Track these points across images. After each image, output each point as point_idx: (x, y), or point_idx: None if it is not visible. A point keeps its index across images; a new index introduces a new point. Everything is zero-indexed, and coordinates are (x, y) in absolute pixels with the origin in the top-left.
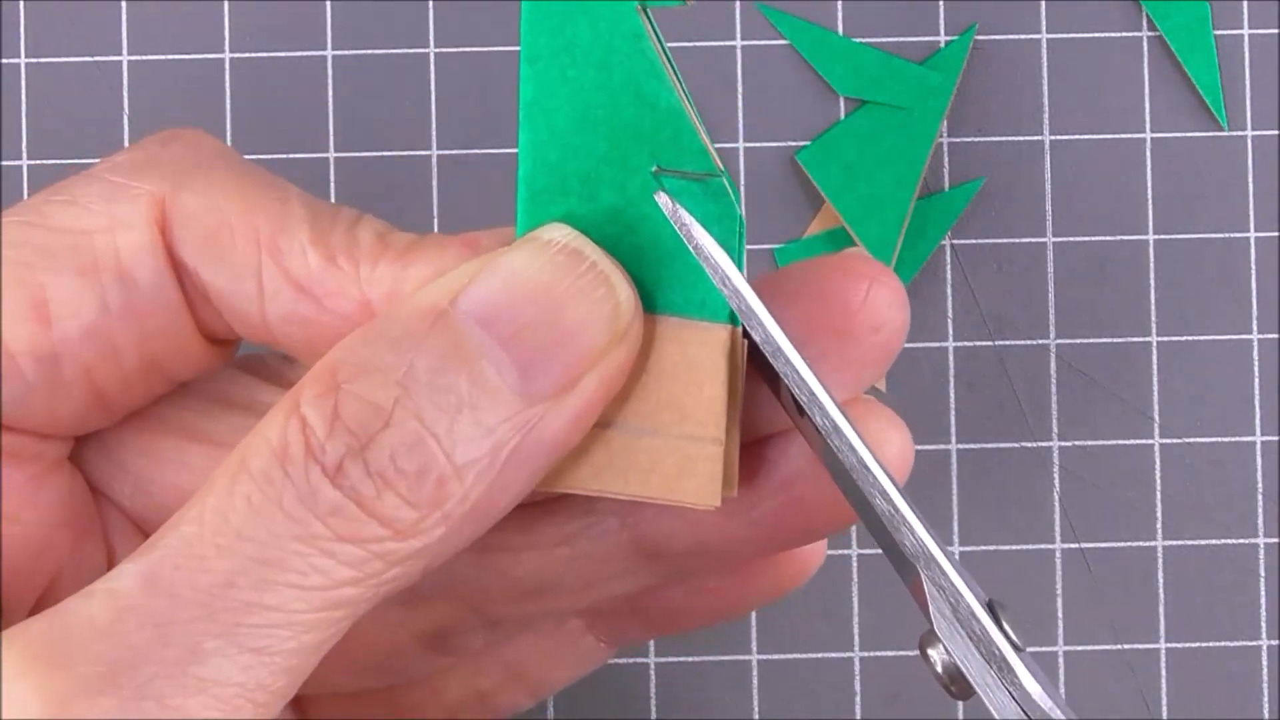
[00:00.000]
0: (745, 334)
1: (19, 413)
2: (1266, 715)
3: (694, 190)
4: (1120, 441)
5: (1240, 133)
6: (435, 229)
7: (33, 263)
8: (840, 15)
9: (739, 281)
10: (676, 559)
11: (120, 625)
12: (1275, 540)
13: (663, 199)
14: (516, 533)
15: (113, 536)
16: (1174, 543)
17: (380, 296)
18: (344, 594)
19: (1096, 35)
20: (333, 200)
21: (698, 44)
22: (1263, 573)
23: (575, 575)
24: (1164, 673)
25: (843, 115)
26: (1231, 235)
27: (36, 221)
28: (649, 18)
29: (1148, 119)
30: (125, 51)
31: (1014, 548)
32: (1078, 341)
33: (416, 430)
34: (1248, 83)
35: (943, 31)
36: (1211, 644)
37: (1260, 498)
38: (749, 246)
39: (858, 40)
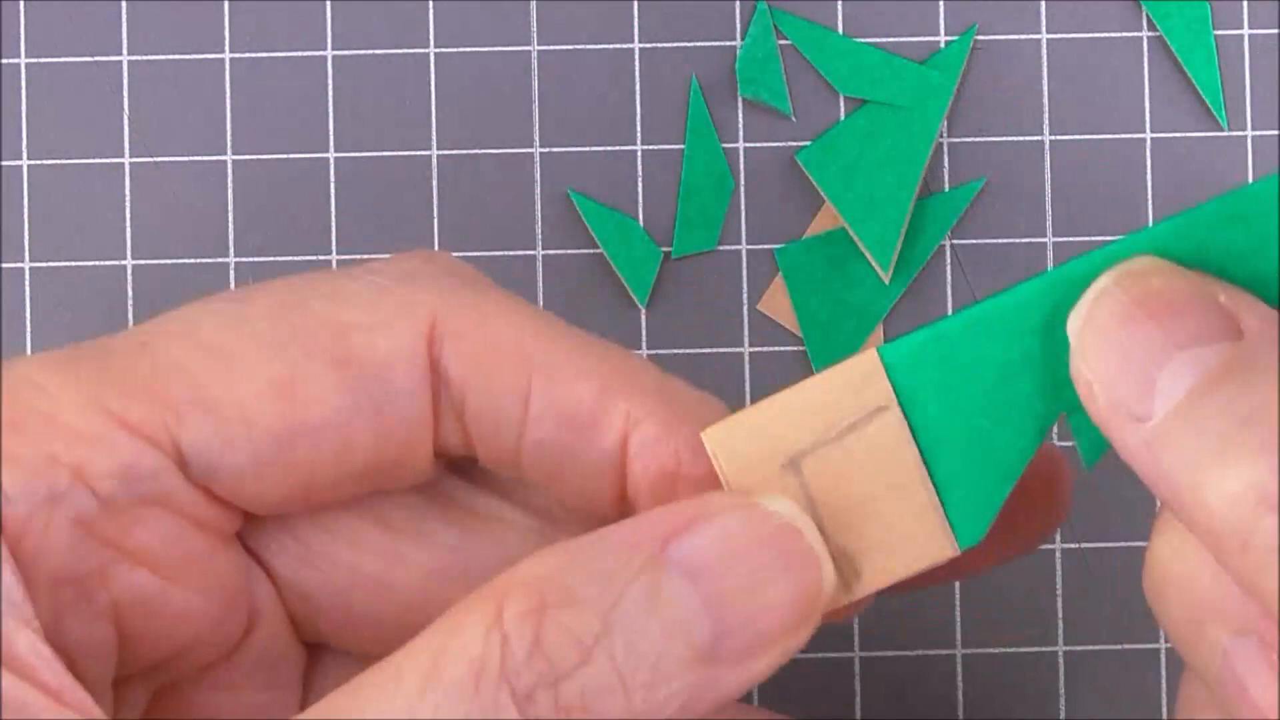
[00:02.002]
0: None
1: (237, 485)
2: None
3: None
4: None
5: (1240, 133)
6: (435, 229)
7: (288, 342)
8: (840, 15)
9: None
10: None
11: None
12: None
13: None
14: None
15: (257, 606)
16: None
17: (643, 445)
18: None
19: (1096, 35)
20: (333, 201)
21: (698, 44)
22: None
23: None
24: (1164, 673)
25: (843, 115)
26: None
27: (294, 304)
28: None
29: (1148, 119)
30: (125, 51)
31: None
32: None
33: (611, 674)
34: (1248, 83)
35: (943, 31)
36: None
37: None
38: (749, 246)
39: (858, 40)
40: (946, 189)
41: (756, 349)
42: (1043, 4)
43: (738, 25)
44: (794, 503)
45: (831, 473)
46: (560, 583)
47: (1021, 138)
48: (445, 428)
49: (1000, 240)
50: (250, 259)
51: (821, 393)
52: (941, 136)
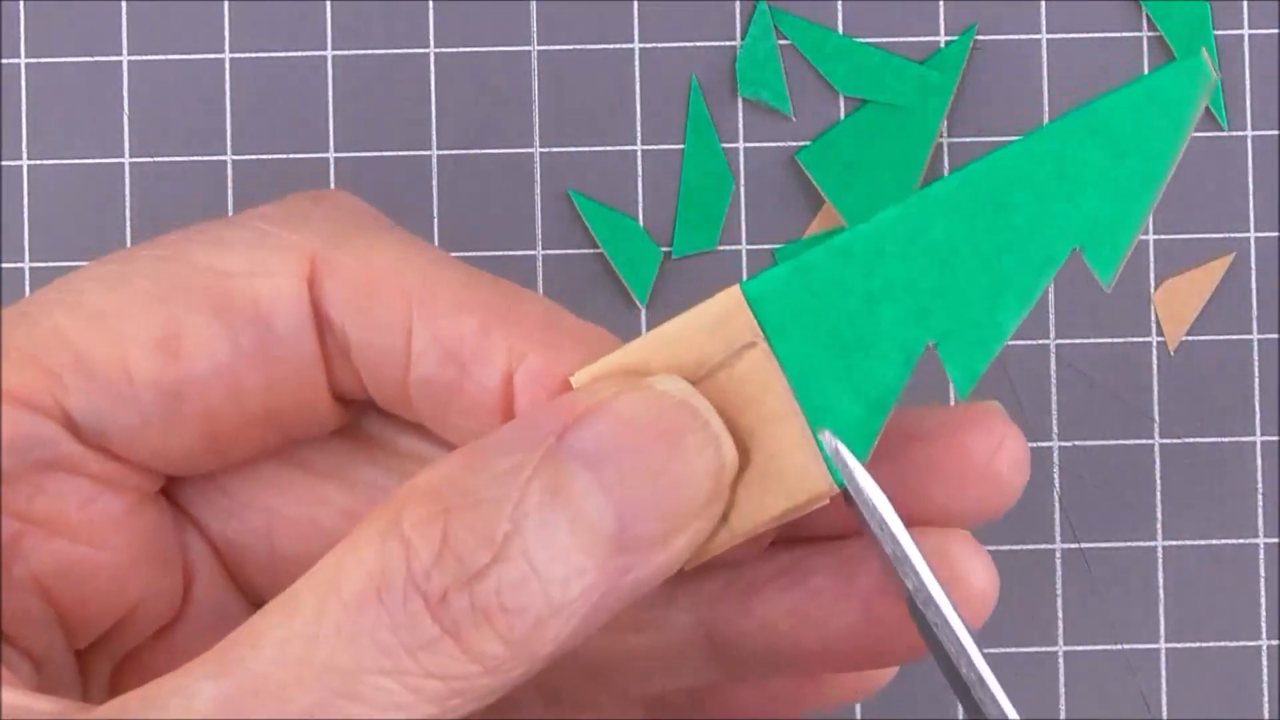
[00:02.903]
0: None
1: (132, 443)
2: (1266, 715)
3: None
4: (1120, 441)
5: (1240, 133)
6: (435, 229)
7: (168, 296)
8: (840, 15)
9: (900, 531)
10: (746, 660)
11: None
12: (1275, 540)
13: (826, 438)
14: None
15: (192, 562)
16: (1174, 543)
17: (527, 376)
18: None
19: (1096, 35)
20: None
21: (698, 44)
22: (1263, 573)
23: (643, 662)
24: (1164, 673)
25: (843, 115)
26: (1231, 235)
27: (175, 257)
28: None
29: None
30: (125, 51)
31: (1014, 548)
32: (1078, 341)
33: (525, 568)
34: (1248, 83)
35: (943, 31)
36: (1211, 644)
37: (1260, 498)
38: (749, 246)
39: (858, 40)
40: None
41: None
42: (1043, 4)
43: (738, 25)
44: (685, 381)
45: None
46: (460, 486)
47: None
48: (337, 368)
49: None
50: None
51: (690, 331)
52: (941, 136)
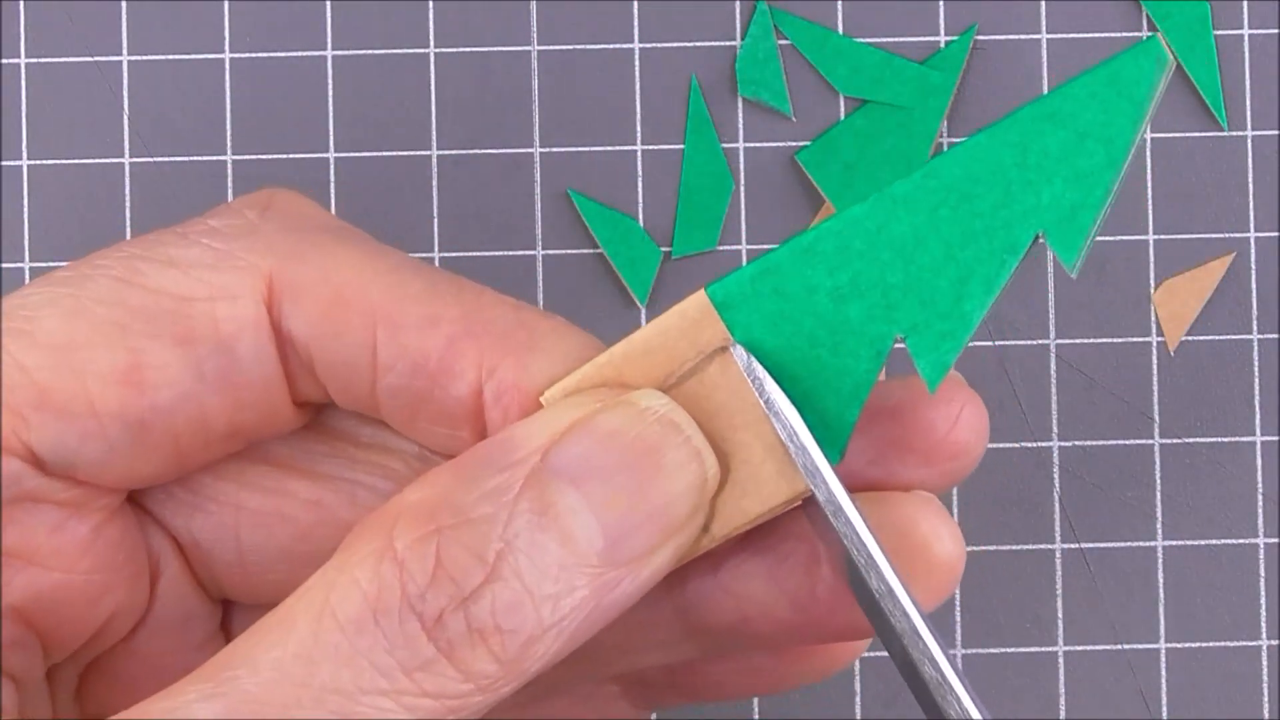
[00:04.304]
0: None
1: (98, 471)
2: (1266, 715)
3: None
4: (1120, 441)
5: (1240, 133)
6: (435, 229)
7: (128, 325)
8: (840, 15)
9: (808, 440)
10: (719, 635)
11: None
12: (1275, 540)
13: (739, 352)
14: None
15: (156, 562)
16: (1174, 543)
17: (498, 387)
18: None
19: (1096, 35)
20: (333, 201)
21: (698, 44)
22: (1263, 573)
23: (615, 640)
24: (1164, 673)
25: (843, 115)
26: (1231, 235)
27: (133, 280)
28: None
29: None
30: (125, 51)
31: (1014, 548)
32: (1078, 341)
33: (519, 589)
34: (1248, 83)
35: (943, 31)
36: (1211, 644)
37: (1260, 498)
38: (749, 246)
39: (858, 40)
40: None
41: None
42: (1043, 4)
43: (738, 25)
44: (667, 396)
45: None
46: (450, 504)
47: None
48: (300, 382)
49: None
50: None
51: (657, 340)
52: (941, 136)
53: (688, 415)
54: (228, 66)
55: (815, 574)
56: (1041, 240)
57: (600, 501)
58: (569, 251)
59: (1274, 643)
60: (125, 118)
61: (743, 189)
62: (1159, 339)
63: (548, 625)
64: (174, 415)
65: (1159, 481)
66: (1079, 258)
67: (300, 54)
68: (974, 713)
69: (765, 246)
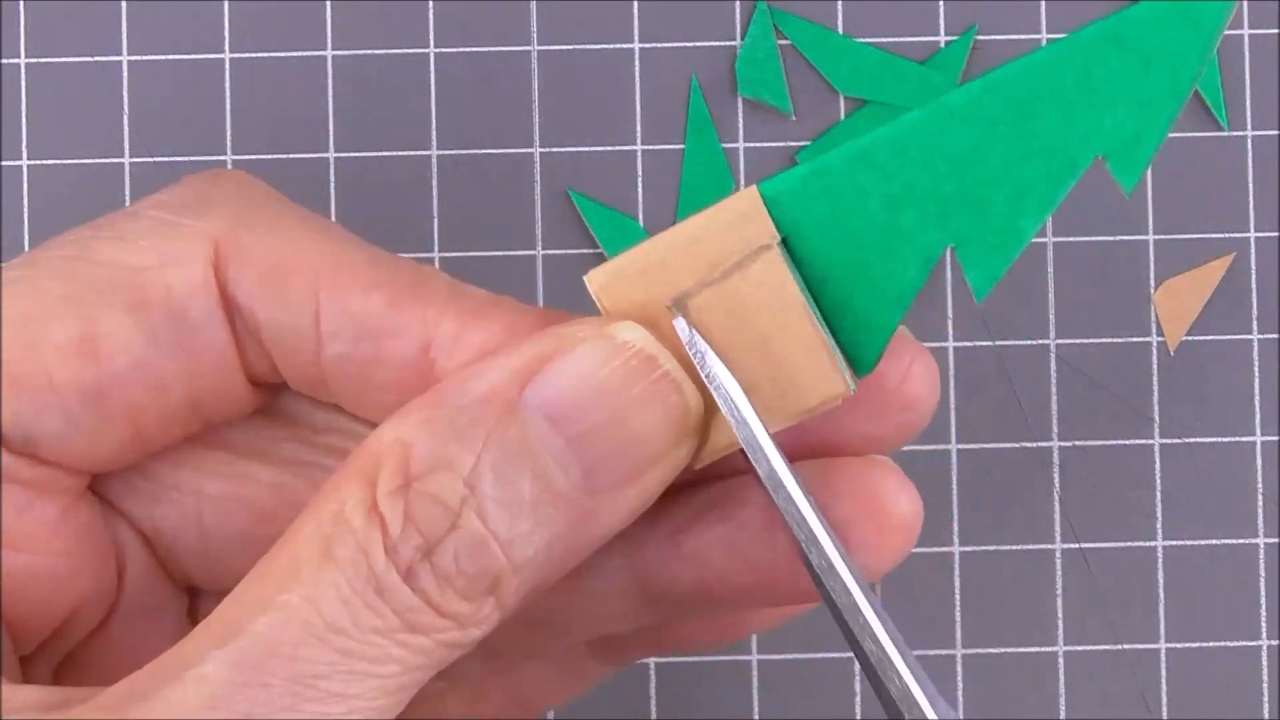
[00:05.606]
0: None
1: (59, 447)
2: (1266, 715)
3: None
4: (1120, 441)
5: (1240, 133)
6: (435, 229)
7: (81, 297)
8: (840, 15)
9: (748, 412)
10: (680, 601)
11: (214, 715)
12: (1275, 540)
13: (680, 324)
14: None
15: (122, 554)
16: (1174, 543)
17: (445, 344)
18: (412, 678)
19: None
20: (333, 201)
21: (698, 44)
22: (1263, 573)
23: (579, 612)
24: (1164, 673)
25: (843, 115)
26: (1231, 235)
27: (83, 256)
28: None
29: None
30: (125, 51)
31: (1014, 548)
32: (1078, 341)
33: (479, 532)
34: (1248, 83)
35: (943, 31)
36: (1211, 644)
37: (1260, 498)
38: None
39: (858, 40)
40: None
41: None
42: (1043, 4)
43: (738, 25)
44: (645, 329)
45: (719, 313)
46: (424, 446)
47: None
48: (249, 352)
49: None
50: None
51: (704, 232)
52: None
53: (664, 348)
54: (228, 66)
55: (774, 540)
56: (1100, 161)
57: (578, 436)
58: (569, 251)
59: (1274, 643)
60: (125, 118)
61: (742, 189)
62: (1159, 339)
63: (518, 562)
64: (130, 384)
65: (1159, 481)
66: (1135, 183)
67: (300, 54)
68: (914, 687)
69: None
